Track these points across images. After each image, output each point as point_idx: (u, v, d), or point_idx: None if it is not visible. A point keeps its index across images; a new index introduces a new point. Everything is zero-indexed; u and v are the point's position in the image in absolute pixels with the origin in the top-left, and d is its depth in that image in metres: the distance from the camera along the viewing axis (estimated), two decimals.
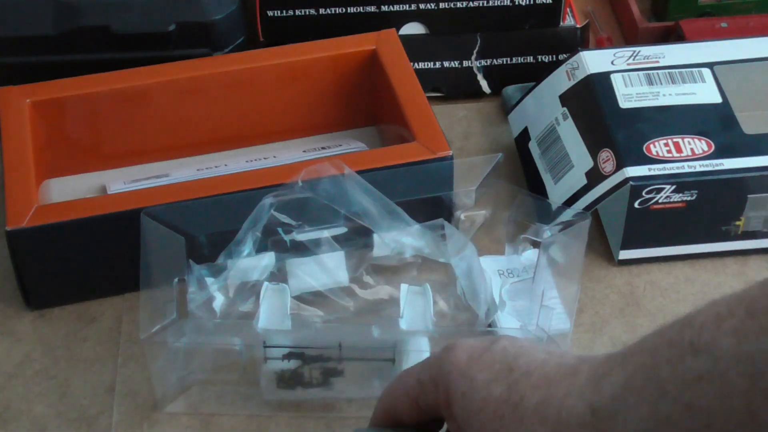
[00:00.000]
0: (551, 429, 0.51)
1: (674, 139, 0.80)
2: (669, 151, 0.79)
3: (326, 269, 0.77)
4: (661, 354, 0.48)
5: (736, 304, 0.47)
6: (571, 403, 0.51)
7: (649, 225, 0.79)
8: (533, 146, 0.86)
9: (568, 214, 0.76)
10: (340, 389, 0.71)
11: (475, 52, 0.95)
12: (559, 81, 0.86)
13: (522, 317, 0.73)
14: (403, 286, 0.72)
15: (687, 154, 0.79)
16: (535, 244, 0.76)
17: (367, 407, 0.71)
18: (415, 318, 0.70)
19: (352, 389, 0.71)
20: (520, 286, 0.76)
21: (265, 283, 0.72)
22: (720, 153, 0.79)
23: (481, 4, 0.92)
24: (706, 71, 0.84)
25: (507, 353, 0.55)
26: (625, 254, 0.81)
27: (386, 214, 0.75)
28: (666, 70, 0.85)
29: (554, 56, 0.95)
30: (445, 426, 0.59)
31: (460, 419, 0.55)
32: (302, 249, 0.77)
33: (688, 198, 0.78)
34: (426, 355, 0.70)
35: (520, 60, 0.96)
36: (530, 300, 0.72)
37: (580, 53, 0.86)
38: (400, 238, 0.76)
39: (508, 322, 0.74)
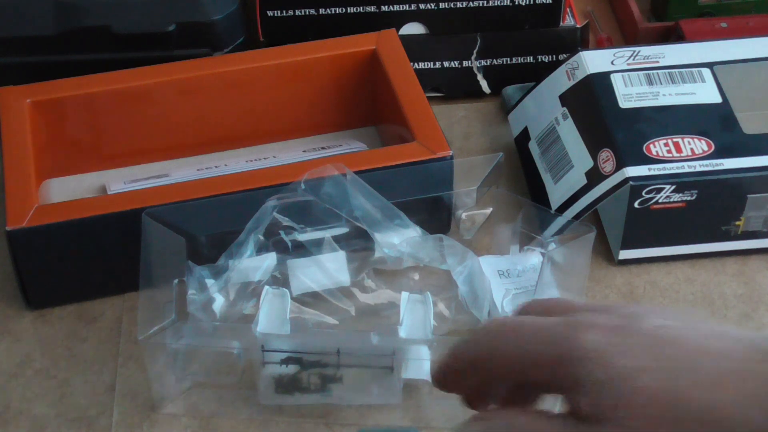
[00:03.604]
0: None
1: (674, 139, 0.80)
2: (669, 151, 0.79)
3: (327, 270, 0.77)
4: None
5: None
6: (748, 413, 0.45)
7: (649, 225, 0.79)
8: (533, 146, 0.86)
9: (572, 226, 0.75)
10: (339, 396, 0.71)
11: (475, 52, 0.95)
12: (559, 81, 0.86)
13: None
14: (404, 294, 0.72)
15: (687, 154, 0.79)
16: (539, 254, 0.77)
17: (366, 413, 0.71)
18: (415, 326, 0.70)
19: (350, 396, 0.71)
20: (522, 297, 0.76)
21: (266, 287, 0.71)
22: (720, 153, 0.79)
23: (481, 4, 0.92)
24: (706, 71, 0.84)
25: (651, 337, 0.48)
26: (625, 254, 0.81)
27: (387, 218, 0.75)
28: (666, 70, 0.85)
29: (554, 56, 0.95)
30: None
31: (592, 411, 0.48)
32: (304, 250, 0.77)
33: (688, 198, 0.78)
34: (425, 363, 0.70)
35: (520, 60, 0.96)
36: None
37: (580, 53, 0.86)
38: (400, 247, 0.76)
39: None
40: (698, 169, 0.78)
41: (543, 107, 0.87)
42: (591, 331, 0.48)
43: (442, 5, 0.92)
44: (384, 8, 0.92)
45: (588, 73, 0.85)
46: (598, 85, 0.84)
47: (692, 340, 0.48)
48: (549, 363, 0.49)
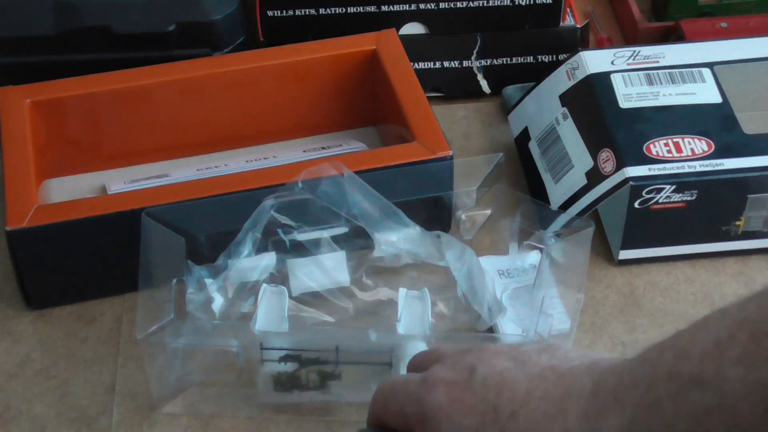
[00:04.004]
0: None
1: (674, 139, 0.80)
2: (669, 151, 0.79)
3: (327, 270, 0.77)
4: (660, 390, 0.46)
5: (737, 329, 0.44)
6: None
7: (649, 225, 0.79)
8: (533, 146, 0.86)
9: (571, 222, 0.76)
10: (338, 393, 0.71)
11: (475, 52, 0.95)
12: (559, 81, 0.86)
13: (522, 323, 0.73)
14: (402, 291, 0.72)
15: (687, 154, 0.79)
16: (538, 249, 0.77)
17: (365, 411, 0.71)
18: (413, 322, 0.70)
19: (349, 393, 0.71)
20: (520, 291, 0.76)
21: (264, 285, 0.71)
22: (720, 153, 0.79)
23: (481, 4, 0.92)
24: (706, 71, 0.84)
25: (488, 388, 0.53)
26: (625, 254, 0.81)
27: (385, 215, 0.75)
28: (666, 70, 0.85)
29: (554, 56, 0.95)
30: None
31: None
32: (303, 250, 0.77)
33: (688, 198, 0.78)
34: None
35: (520, 60, 0.95)
36: (530, 306, 0.72)
37: (580, 53, 0.86)
38: (398, 244, 0.76)
39: (508, 329, 0.74)
40: (698, 169, 0.78)
41: (543, 107, 0.87)
42: (436, 389, 0.54)
43: (442, 5, 0.92)
44: (384, 8, 0.92)
45: (588, 73, 0.85)
46: (599, 85, 0.84)
47: (523, 384, 0.52)
48: (416, 421, 0.54)
